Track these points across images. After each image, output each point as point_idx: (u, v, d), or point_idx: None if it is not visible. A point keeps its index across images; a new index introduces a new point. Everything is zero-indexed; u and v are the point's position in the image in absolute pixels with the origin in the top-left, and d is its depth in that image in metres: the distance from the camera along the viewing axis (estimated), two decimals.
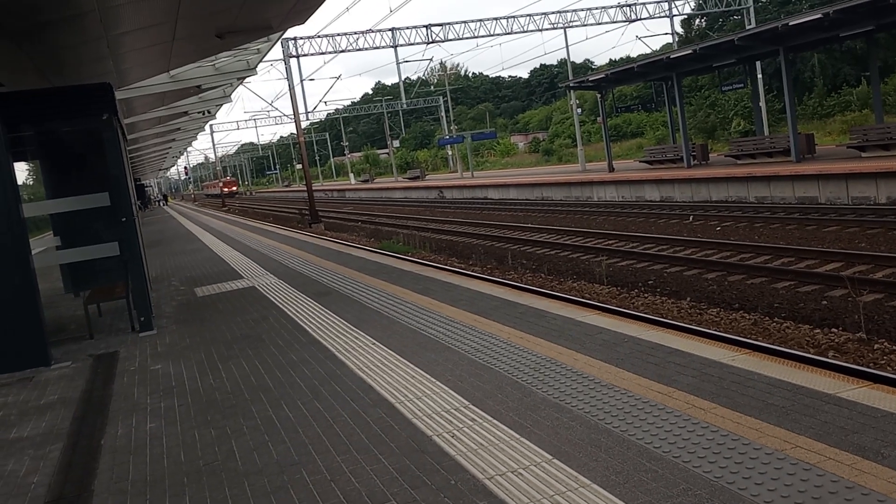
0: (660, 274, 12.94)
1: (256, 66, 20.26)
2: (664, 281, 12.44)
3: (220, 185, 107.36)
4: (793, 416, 3.91)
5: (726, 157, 29.09)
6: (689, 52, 25.39)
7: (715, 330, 8.35)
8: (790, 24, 21.55)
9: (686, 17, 50.82)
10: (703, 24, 54.84)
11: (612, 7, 39.60)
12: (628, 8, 39.99)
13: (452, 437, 4.23)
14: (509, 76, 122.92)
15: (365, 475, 3.88)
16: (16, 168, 11.10)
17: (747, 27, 36.93)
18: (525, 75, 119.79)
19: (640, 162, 34.31)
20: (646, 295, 11.64)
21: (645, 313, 9.51)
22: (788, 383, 4.38)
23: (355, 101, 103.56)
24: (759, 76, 33.45)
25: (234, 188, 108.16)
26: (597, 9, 39.24)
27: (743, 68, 30.66)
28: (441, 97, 71.39)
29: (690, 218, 19.43)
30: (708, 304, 10.66)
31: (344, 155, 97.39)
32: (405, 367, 5.76)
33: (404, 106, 66.14)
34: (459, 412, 4.61)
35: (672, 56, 26.39)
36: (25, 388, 6.75)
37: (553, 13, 38.71)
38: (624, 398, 4.47)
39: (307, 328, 7.68)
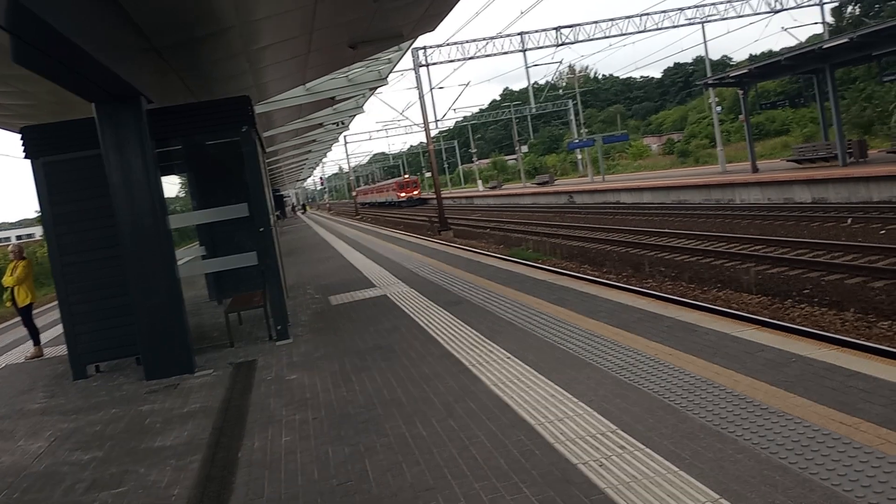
0: (816, 282, 11.79)
1: (388, 76, 20.55)
2: (822, 290, 11.32)
3: (394, 187, 78.16)
4: None
5: (888, 153, 26.55)
6: (846, 40, 23.31)
7: None
8: None
9: (837, 4, 47.20)
10: (857, 10, 50.72)
11: None
12: None
13: (600, 466, 3.83)
14: (641, 77, 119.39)
15: None
16: (171, 181, 11.75)
17: None
18: (657, 75, 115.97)
19: (787, 161, 32.01)
20: (802, 306, 10.63)
21: (811, 328, 8.62)
22: None
23: (483, 107, 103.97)
24: None
25: (417, 192, 75.17)
26: (738, 0, 37.15)
27: None
28: (570, 100, 70.24)
29: (849, 220, 17.77)
30: (877, 315, 9.56)
31: (472, 162, 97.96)
32: (543, 384, 5.40)
33: (533, 110, 65.58)
34: (606, 437, 4.20)
35: (826, 46, 24.35)
36: (170, 395, 6.96)
37: (689, 8, 37.06)
38: (799, 428, 3.90)
39: (439, 339, 7.47)
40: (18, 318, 10.65)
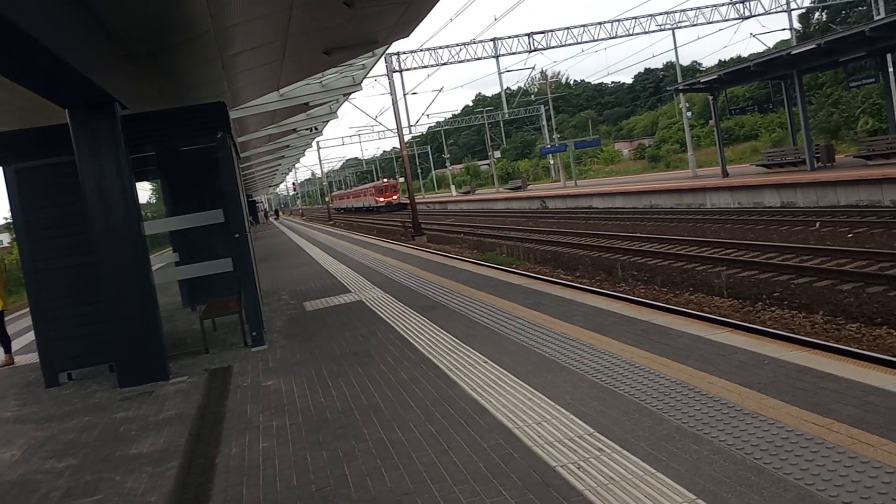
0: (786, 285, 12.01)
1: (361, 82, 20.54)
2: (792, 293, 11.53)
3: (372, 192, 73.47)
4: None
5: (855, 157, 27.12)
6: (813, 46, 23.76)
7: (876, 352, 7.52)
8: None
9: (805, 10, 48.12)
10: (824, 17, 51.77)
11: (723, 4, 37.96)
12: (741, 4, 38.20)
13: (578, 468, 3.88)
14: (612, 82, 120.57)
15: None
16: (145, 187, 11.62)
17: (875, 18, 34.49)
18: (628, 80, 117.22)
19: (757, 165, 32.56)
20: (772, 308, 10.82)
21: (782, 330, 8.77)
22: None
23: (456, 113, 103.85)
24: (891, 70, 31.01)
25: (396, 197, 68.97)
26: (707, 7, 37.75)
27: (872, 62, 28.55)
28: (542, 106, 70.70)
29: (817, 224, 18.12)
30: (845, 318, 9.77)
31: (445, 167, 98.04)
32: (520, 387, 5.44)
33: (505, 116, 65.83)
34: (584, 440, 4.25)
35: (793, 52, 24.81)
36: (145, 402, 6.89)
37: (660, 14, 37.55)
38: (773, 429, 3.98)
39: (416, 344, 7.49)
40: None
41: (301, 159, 74.34)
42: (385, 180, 77.38)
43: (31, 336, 9.01)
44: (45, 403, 7.48)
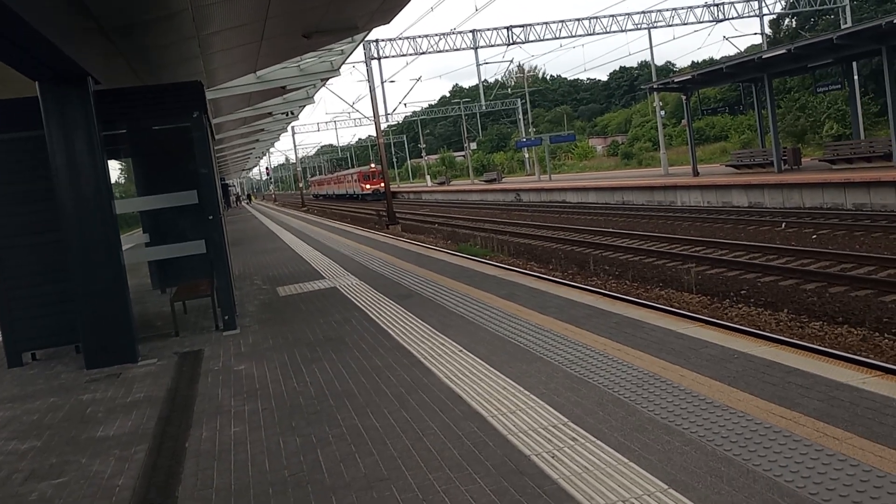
0: (753, 283, 12.23)
1: (340, 68, 20.38)
2: (758, 291, 11.75)
3: (357, 178, 67.67)
4: None
5: (820, 161, 27.64)
6: (783, 51, 24.16)
7: (840, 350, 7.70)
8: (895, 21, 20.26)
9: (776, 16, 48.80)
10: (794, 23, 52.56)
11: (698, 7, 38.39)
12: (715, 7, 38.62)
13: (553, 457, 3.91)
14: (588, 79, 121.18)
15: (460, 496, 3.60)
16: (115, 166, 11.39)
17: (842, 26, 35.14)
18: (604, 78, 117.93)
19: (726, 166, 32.99)
20: (739, 305, 11.01)
21: (750, 327, 8.94)
22: None
23: (433, 103, 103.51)
24: (856, 77, 31.64)
25: (380, 185, 50.17)
26: (682, 9, 38.15)
27: (839, 69, 29.09)
28: (519, 99, 70.81)
29: (783, 225, 18.45)
30: (809, 316, 9.98)
31: (420, 157, 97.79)
32: (495, 377, 5.47)
33: (482, 108, 65.77)
34: (558, 430, 4.28)
35: (764, 56, 25.19)
36: (113, 384, 6.78)
37: (637, 13, 37.86)
38: (742, 422, 4.05)
39: (391, 332, 7.48)
40: None
41: (275, 144, 73.57)
42: (372, 166, 69.41)
43: None
44: (8, 384, 7.32)
